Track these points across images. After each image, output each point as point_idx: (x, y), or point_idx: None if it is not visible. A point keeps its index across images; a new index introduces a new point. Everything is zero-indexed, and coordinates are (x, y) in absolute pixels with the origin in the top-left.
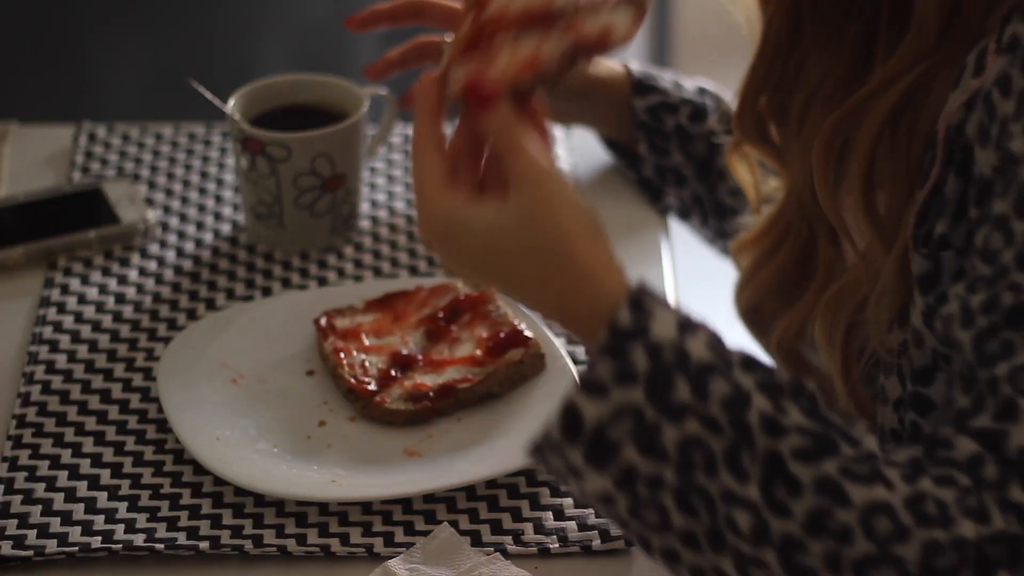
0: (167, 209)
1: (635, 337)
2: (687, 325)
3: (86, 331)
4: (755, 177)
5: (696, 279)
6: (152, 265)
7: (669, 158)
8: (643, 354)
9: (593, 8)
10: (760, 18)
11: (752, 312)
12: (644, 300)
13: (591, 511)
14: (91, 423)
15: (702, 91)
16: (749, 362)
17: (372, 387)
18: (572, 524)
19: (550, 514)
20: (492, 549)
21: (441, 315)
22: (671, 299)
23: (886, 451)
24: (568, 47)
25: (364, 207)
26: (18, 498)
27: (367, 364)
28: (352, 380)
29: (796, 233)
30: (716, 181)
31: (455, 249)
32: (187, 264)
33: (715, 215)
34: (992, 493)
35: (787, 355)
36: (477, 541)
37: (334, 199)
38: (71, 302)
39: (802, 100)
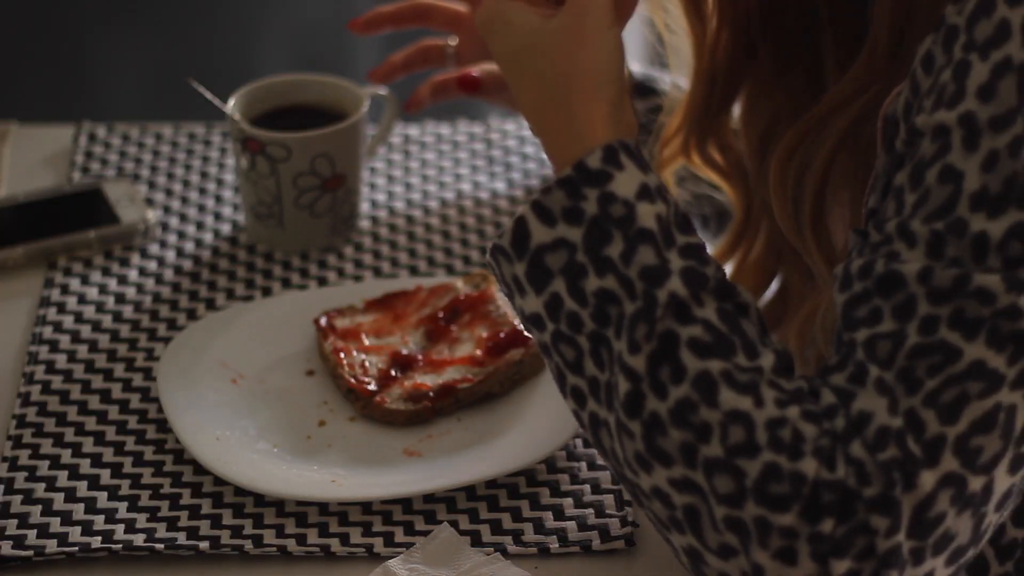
0: (167, 209)
1: (594, 183)
2: (648, 192)
3: (86, 331)
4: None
5: None
6: (152, 265)
7: None
8: (594, 201)
9: None
10: (693, 49)
11: None
12: (618, 155)
13: (591, 511)
14: (91, 423)
15: None
16: (692, 250)
17: (372, 387)
18: (572, 524)
19: (550, 514)
20: (492, 549)
21: (441, 315)
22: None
23: (780, 375)
24: None
25: (364, 207)
26: (18, 498)
27: (367, 364)
28: (352, 380)
29: (762, 254)
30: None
31: (495, 40)
32: (187, 264)
33: (716, 218)
34: (839, 444)
35: None
36: (477, 541)
37: (334, 199)
38: (71, 302)
39: (760, 128)
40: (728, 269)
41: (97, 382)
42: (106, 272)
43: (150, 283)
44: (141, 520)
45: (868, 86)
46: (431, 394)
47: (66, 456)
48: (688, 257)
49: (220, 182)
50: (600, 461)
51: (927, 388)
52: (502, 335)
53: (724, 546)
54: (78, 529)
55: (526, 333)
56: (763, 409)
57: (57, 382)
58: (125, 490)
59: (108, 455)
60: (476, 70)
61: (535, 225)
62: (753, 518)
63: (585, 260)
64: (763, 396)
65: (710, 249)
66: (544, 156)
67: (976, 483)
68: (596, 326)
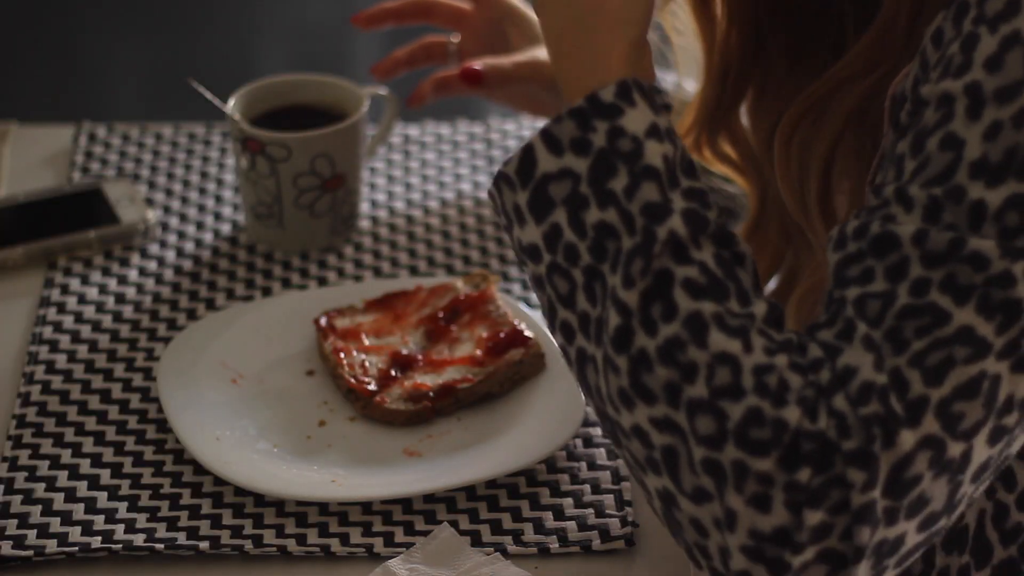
0: (167, 209)
1: (604, 116)
2: (657, 131)
3: (86, 331)
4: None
5: None
6: (152, 265)
7: None
8: (603, 134)
9: None
10: (702, 49)
11: None
12: (632, 91)
13: (591, 511)
14: (91, 423)
15: None
16: (695, 193)
17: (372, 387)
18: (572, 524)
19: (550, 514)
20: (492, 549)
21: (441, 315)
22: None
23: (770, 326)
24: None
25: (364, 207)
26: (18, 498)
27: (367, 364)
28: (352, 380)
29: (774, 244)
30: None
31: None
32: (187, 264)
33: (725, 213)
34: (824, 397)
35: None
36: (477, 541)
37: (334, 199)
38: (71, 302)
39: (770, 125)
40: None
41: (97, 382)
42: (106, 272)
43: (150, 283)
44: (141, 520)
45: (876, 65)
46: (431, 394)
47: (66, 456)
48: (691, 199)
49: (220, 182)
50: (600, 461)
51: (913, 349)
52: (502, 335)
53: (699, 489)
54: (78, 529)
55: (526, 334)
56: (751, 355)
57: (57, 382)
58: (125, 490)
59: (108, 455)
60: (478, 63)
61: (542, 153)
62: (731, 461)
63: (588, 192)
64: (752, 342)
65: None
66: None
67: (955, 449)
68: (592, 259)
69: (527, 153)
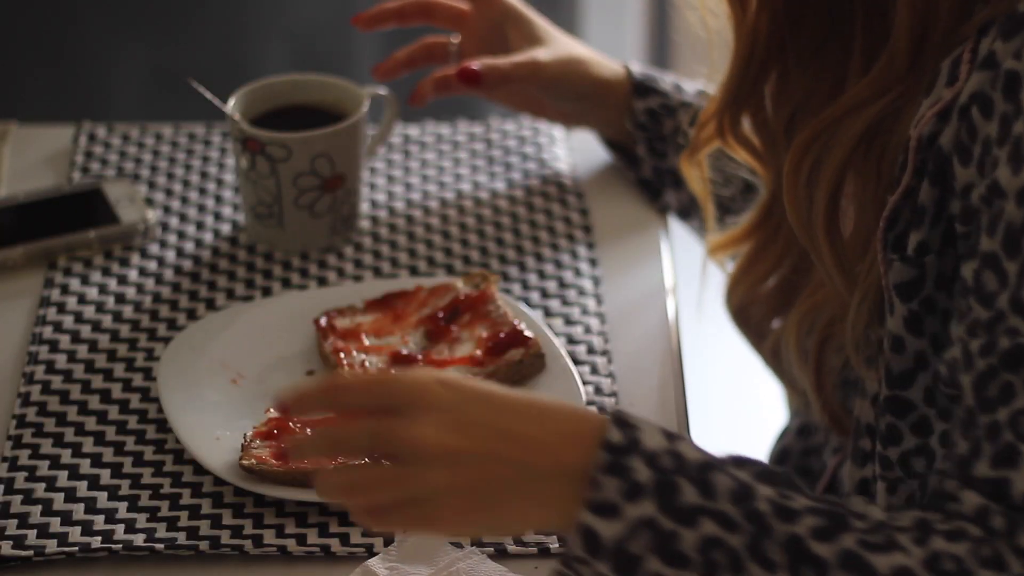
0: (167, 209)
1: (630, 451)
2: (671, 433)
3: (86, 331)
4: (707, 185)
5: (696, 279)
6: (152, 265)
7: (666, 160)
8: (643, 465)
9: None
10: (733, 31)
11: (743, 313)
12: (627, 417)
13: None
14: (91, 423)
15: (702, 94)
16: (738, 459)
17: None
18: None
19: None
20: (466, 545)
21: (441, 315)
22: (671, 303)
23: (890, 515)
24: None
25: (364, 207)
26: (18, 498)
27: (367, 364)
28: None
29: (785, 237)
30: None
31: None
32: (187, 264)
33: (714, 217)
34: (1004, 541)
35: (777, 362)
36: (478, 541)
37: (334, 199)
38: (71, 302)
39: (787, 113)
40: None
41: (97, 382)
42: (106, 272)
43: (150, 283)
44: (141, 520)
45: (885, 91)
46: None
47: (66, 456)
48: (743, 466)
49: (220, 182)
50: None
51: None
52: (502, 335)
53: None
54: (78, 529)
55: (526, 334)
56: (912, 555)
57: (57, 382)
58: (125, 490)
59: (108, 455)
60: (476, 64)
61: (600, 525)
62: None
63: (670, 523)
64: (905, 545)
65: (736, 226)
66: (545, 155)
67: None
68: None
69: (585, 534)
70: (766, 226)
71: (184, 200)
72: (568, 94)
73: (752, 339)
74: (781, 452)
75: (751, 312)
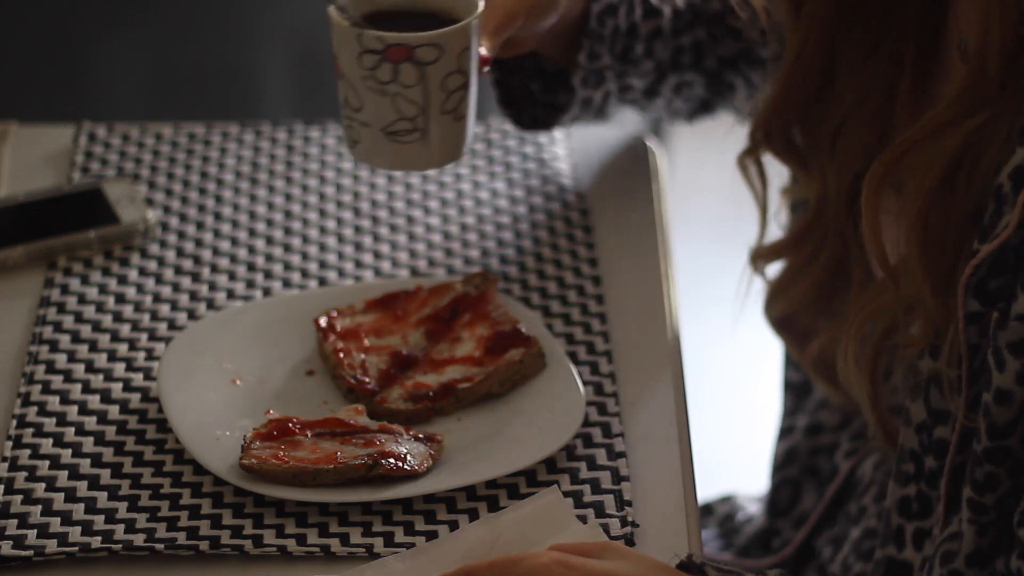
0: (167, 209)
1: None
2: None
3: (86, 331)
4: (765, 189)
5: (696, 280)
6: (152, 265)
7: (599, 60)
8: None
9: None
10: (792, 33)
11: (783, 322)
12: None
13: (591, 511)
14: (91, 423)
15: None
16: None
17: (372, 387)
18: None
19: None
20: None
21: (441, 315)
22: (671, 303)
23: None
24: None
25: (364, 207)
26: (18, 498)
27: (367, 364)
28: (352, 380)
29: (831, 247)
30: (630, 68)
31: None
32: (187, 264)
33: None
34: None
35: (823, 369)
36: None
37: (468, 96)
38: (71, 302)
39: (836, 120)
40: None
41: (97, 382)
42: (106, 272)
43: (150, 283)
44: (141, 520)
45: (973, 111)
46: (431, 394)
47: (66, 456)
48: None
49: (220, 182)
50: (600, 461)
51: None
52: (502, 335)
53: None
54: (78, 529)
55: (526, 334)
56: None
57: (57, 382)
58: (125, 490)
59: (108, 455)
60: (482, 48)
61: None
62: None
63: None
64: None
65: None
66: (544, 156)
67: None
68: None
69: None
70: (811, 238)
71: (184, 200)
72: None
73: (794, 347)
74: (787, 452)
75: (793, 322)
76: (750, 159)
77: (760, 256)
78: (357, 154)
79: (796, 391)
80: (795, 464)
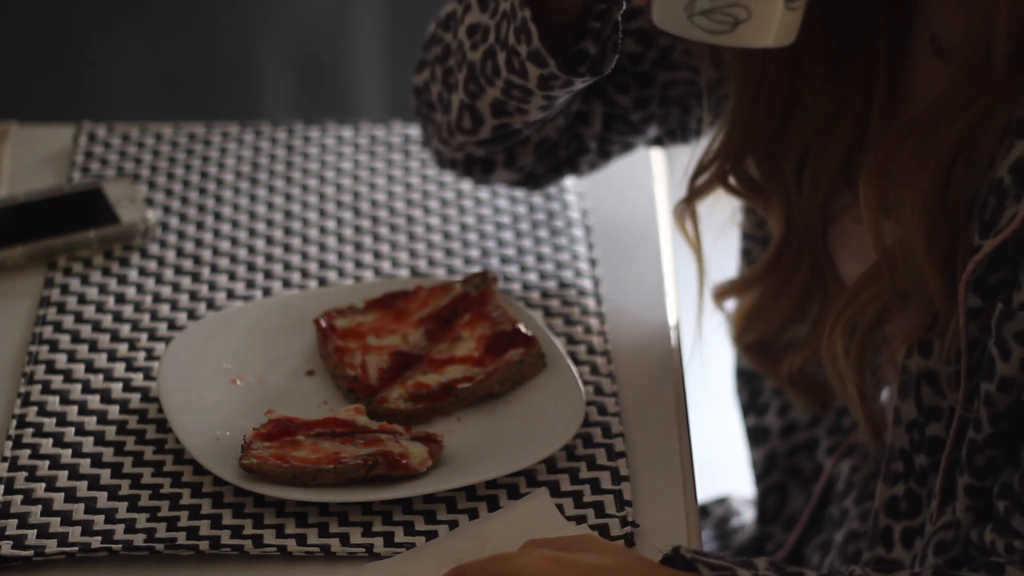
0: (167, 209)
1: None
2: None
3: (86, 331)
4: (699, 237)
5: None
6: (152, 265)
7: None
8: None
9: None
10: (745, 66)
11: (754, 348)
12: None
13: (591, 511)
14: (91, 423)
15: None
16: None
17: (372, 387)
18: (572, 524)
19: None
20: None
21: (442, 314)
22: (671, 303)
23: None
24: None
25: (364, 207)
26: (18, 498)
27: (367, 364)
28: (352, 380)
29: (804, 267)
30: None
31: None
32: (187, 264)
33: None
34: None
35: (799, 378)
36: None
37: None
38: (71, 302)
39: (802, 140)
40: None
41: (97, 382)
42: (106, 272)
43: (150, 283)
44: (141, 520)
45: (974, 99)
46: (431, 394)
47: (66, 456)
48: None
49: (220, 182)
50: (600, 461)
51: None
52: (502, 335)
53: None
54: (78, 529)
55: (526, 333)
56: None
57: (57, 382)
58: (125, 490)
59: (108, 455)
60: None
61: None
62: None
63: None
64: None
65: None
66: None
67: None
68: None
69: None
70: (782, 265)
71: (184, 200)
72: None
73: (767, 369)
74: (767, 458)
75: (764, 347)
76: (687, 208)
77: (727, 292)
78: (742, 35)
79: (747, 377)
80: (777, 469)
